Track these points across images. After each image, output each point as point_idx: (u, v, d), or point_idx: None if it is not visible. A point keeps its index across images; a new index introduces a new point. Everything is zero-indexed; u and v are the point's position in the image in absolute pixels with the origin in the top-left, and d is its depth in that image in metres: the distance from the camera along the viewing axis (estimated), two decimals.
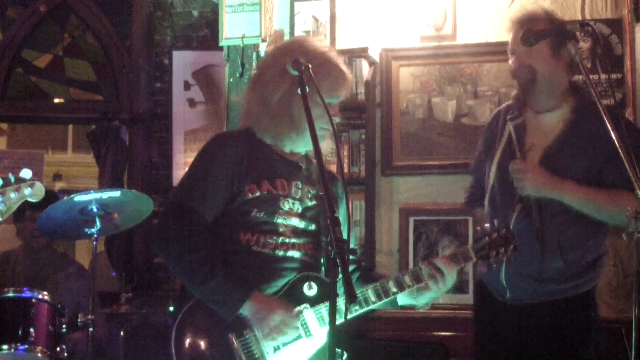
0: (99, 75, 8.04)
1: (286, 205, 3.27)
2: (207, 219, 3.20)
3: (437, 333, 4.27)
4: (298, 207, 3.32)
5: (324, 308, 3.16)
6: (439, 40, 5.82)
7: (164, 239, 3.19)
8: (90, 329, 4.86)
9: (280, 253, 3.23)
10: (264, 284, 3.18)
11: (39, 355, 4.60)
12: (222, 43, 5.80)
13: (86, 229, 4.94)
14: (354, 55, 5.72)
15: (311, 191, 3.38)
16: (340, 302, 3.05)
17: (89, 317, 4.87)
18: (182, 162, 7.62)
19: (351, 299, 2.46)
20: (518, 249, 3.38)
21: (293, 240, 3.27)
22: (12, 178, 3.22)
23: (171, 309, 3.15)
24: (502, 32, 5.65)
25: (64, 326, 4.83)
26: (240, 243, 3.20)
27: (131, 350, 5.77)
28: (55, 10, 7.94)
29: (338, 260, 2.50)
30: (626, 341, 4.97)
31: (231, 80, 5.80)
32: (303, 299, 3.19)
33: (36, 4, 7.87)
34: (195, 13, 7.76)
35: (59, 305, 4.87)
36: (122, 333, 5.43)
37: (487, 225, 3.35)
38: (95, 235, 4.95)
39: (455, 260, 3.27)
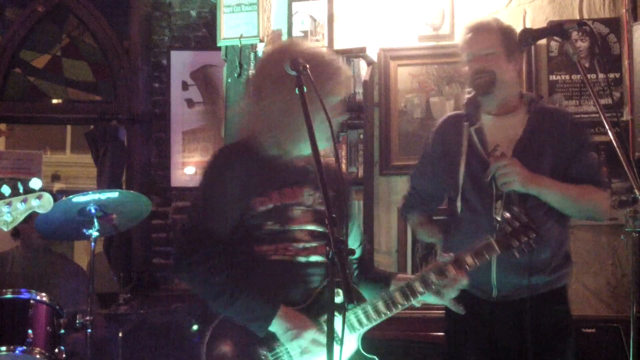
0: (97, 75, 8.04)
1: (298, 213, 3.24)
2: (226, 237, 3.18)
3: (434, 333, 4.27)
4: (311, 214, 3.28)
5: (352, 315, 3.18)
6: (437, 40, 5.82)
7: (186, 265, 3.16)
8: (89, 330, 4.86)
9: (302, 259, 3.20)
10: (289, 293, 3.17)
11: (37, 356, 4.60)
12: (220, 43, 5.80)
13: (84, 230, 4.94)
14: (352, 55, 5.72)
15: (318, 195, 3.31)
16: (355, 315, 3.18)
17: (88, 318, 4.87)
18: (181, 162, 7.63)
19: (350, 299, 2.46)
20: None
21: (314, 243, 3.24)
22: (20, 187, 3.20)
23: (195, 327, 3.13)
24: None
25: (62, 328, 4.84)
26: (259, 255, 3.17)
27: (130, 351, 5.77)
28: (54, 10, 7.94)
29: (336, 260, 2.49)
30: (624, 340, 4.97)
31: (229, 80, 5.80)
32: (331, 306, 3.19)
33: (34, 4, 7.87)
34: (193, 13, 7.76)
35: (57, 307, 4.87)
36: (120, 333, 5.43)
37: (507, 214, 3.36)
38: (93, 236, 4.94)
39: (480, 256, 3.27)
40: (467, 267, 3.26)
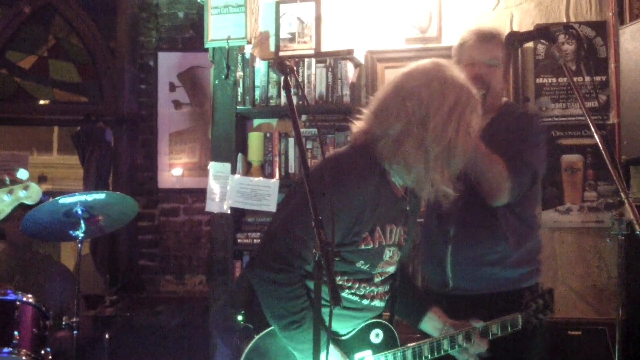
0: (83, 76, 8.02)
1: (388, 254, 3.24)
2: (311, 263, 3.04)
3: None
4: (397, 254, 3.31)
5: (382, 357, 3.26)
6: (424, 43, 5.82)
7: (261, 278, 3.05)
8: (75, 332, 4.84)
9: (366, 302, 3.23)
10: (341, 328, 3.21)
11: (23, 358, 4.57)
12: (208, 45, 5.80)
13: (71, 232, 4.92)
14: (339, 57, 5.71)
15: (404, 229, 3.33)
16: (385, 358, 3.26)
17: (74, 319, 4.86)
18: (167, 163, 7.61)
19: (335, 301, 2.45)
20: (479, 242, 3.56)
21: (380, 288, 3.28)
22: (7, 180, 3.16)
23: (240, 318, 3.11)
24: None
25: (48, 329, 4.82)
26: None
27: (116, 353, 5.76)
28: (40, 11, 7.93)
29: (323, 263, 2.49)
30: (610, 343, 4.98)
31: (216, 82, 5.80)
32: (368, 344, 3.25)
33: (20, 5, 7.84)
34: (180, 14, 7.75)
35: (44, 308, 4.85)
36: (106, 335, 5.42)
37: (532, 289, 3.45)
38: (80, 238, 4.93)
39: (505, 329, 3.36)
40: (491, 336, 3.35)
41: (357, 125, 3.28)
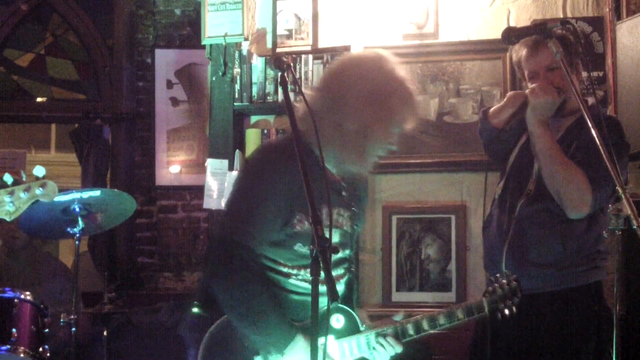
0: (81, 74, 8.02)
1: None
2: (257, 251, 3.12)
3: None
4: (340, 237, 3.30)
5: (345, 342, 3.24)
6: (421, 39, 5.82)
7: (214, 275, 3.12)
8: (73, 329, 4.85)
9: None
10: (299, 313, 3.18)
11: (22, 355, 4.58)
12: (205, 41, 5.81)
13: (68, 229, 4.92)
14: (336, 53, 5.70)
15: (347, 214, 3.33)
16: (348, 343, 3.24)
17: (72, 316, 4.86)
18: (165, 161, 7.61)
19: (333, 297, 2.46)
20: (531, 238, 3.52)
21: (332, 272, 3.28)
22: (23, 176, 3.14)
23: (195, 310, 3.14)
24: (483, 31, 5.67)
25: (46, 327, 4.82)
26: (281, 274, 3.17)
27: (114, 350, 5.76)
28: (37, 9, 7.92)
29: (320, 258, 2.49)
30: None
31: (214, 78, 5.80)
32: (329, 329, 3.22)
33: (18, 2, 7.83)
34: (177, 12, 7.75)
35: (42, 305, 4.85)
36: (105, 333, 5.42)
37: (498, 275, 3.39)
38: (77, 235, 4.93)
39: (469, 312, 3.31)
40: (457, 321, 3.30)
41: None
